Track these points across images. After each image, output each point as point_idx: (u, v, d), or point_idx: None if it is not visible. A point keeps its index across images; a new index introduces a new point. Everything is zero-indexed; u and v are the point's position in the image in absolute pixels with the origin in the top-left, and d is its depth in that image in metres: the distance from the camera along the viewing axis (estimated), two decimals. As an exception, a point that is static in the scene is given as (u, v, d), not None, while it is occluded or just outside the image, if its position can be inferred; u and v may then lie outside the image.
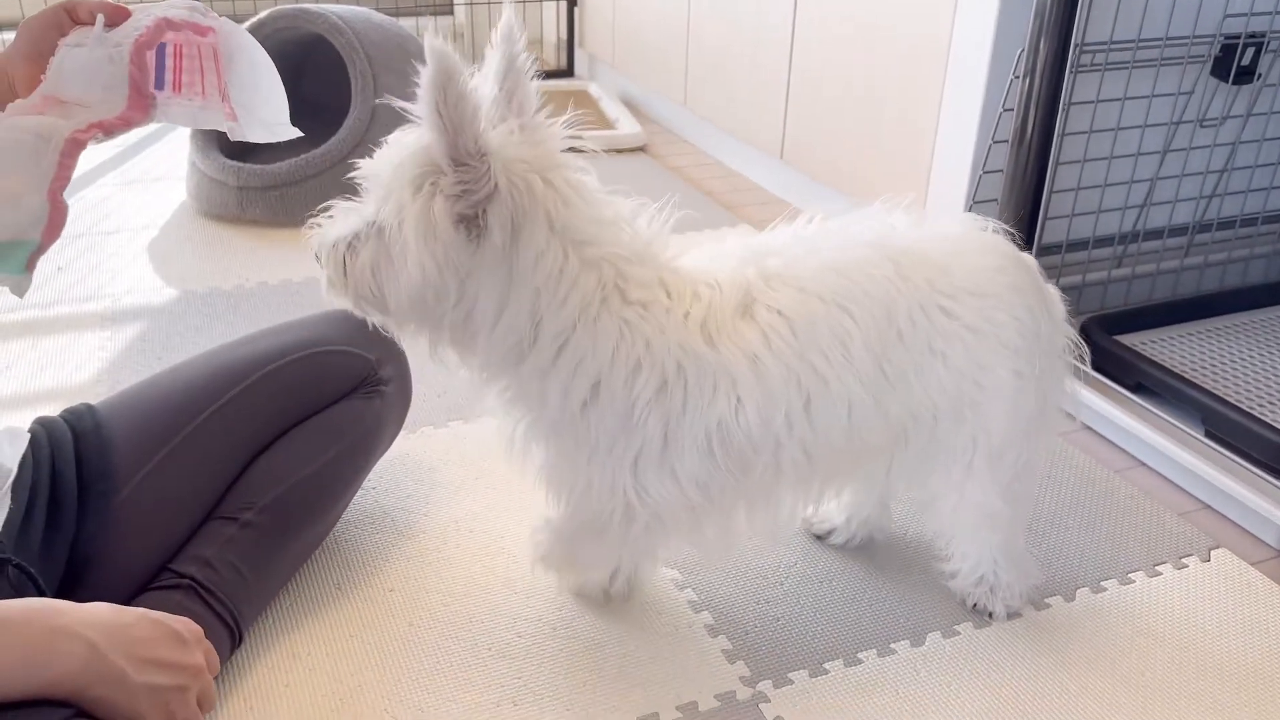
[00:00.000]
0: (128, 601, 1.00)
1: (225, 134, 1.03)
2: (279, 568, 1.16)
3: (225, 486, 1.13)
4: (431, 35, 0.81)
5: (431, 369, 1.04)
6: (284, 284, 1.99)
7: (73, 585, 1.01)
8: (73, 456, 1.05)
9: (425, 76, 0.83)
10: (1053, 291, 1.14)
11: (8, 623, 0.77)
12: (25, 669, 0.76)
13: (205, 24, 1.01)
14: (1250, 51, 1.74)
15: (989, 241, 1.10)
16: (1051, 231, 1.73)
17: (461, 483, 1.41)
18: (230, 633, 1.07)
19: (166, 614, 0.89)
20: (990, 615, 1.22)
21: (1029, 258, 1.12)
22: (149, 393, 1.14)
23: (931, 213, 1.06)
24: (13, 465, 0.99)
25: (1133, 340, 1.71)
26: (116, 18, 1.01)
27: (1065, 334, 1.14)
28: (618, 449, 1.00)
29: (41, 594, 0.92)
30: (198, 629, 0.92)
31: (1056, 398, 1.14)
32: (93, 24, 1.00)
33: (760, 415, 0.99)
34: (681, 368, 0.97)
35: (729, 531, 1.10)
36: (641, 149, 2.84)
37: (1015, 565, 1.20)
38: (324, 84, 2.35)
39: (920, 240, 1.06)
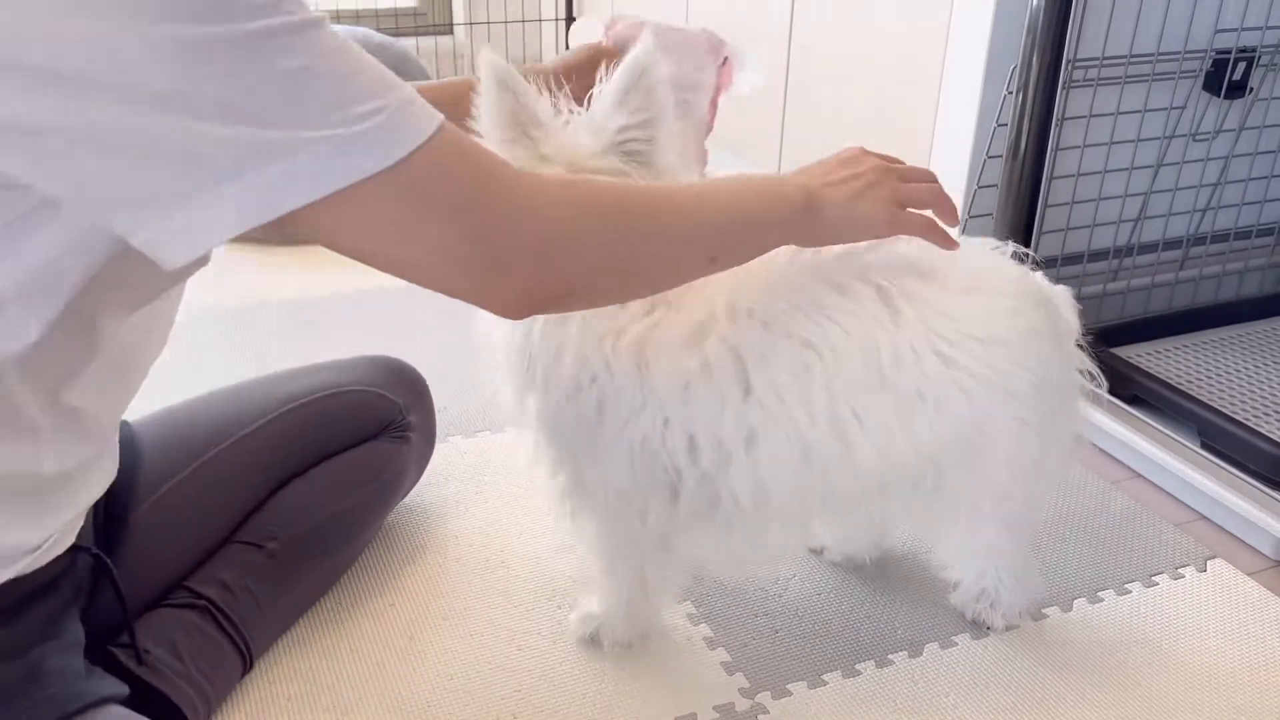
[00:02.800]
0: (138, 615, 1.01)
1: None
2: (295, 598, 1.17)
3: (245, 513, 1.14)
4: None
5: (434, 383, 1.05)
6: (285, 303, 2.00)
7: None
8: None
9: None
10: (1070, 324, 1.08)
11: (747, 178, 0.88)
12: (763, 206, 0.88)
13: (724, 52, 1.16)
14: (1241, 66, 1.76)
15: (1007, 277, 1.03)
16: (1046, 245, 1.74)
17: (461, 497, 1.42)
18: (242, 658, 1.07)
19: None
20: (988, 628, 1.22)
21: (1052, 293, 1.07)
22: (181, 414, 1.15)
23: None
24: None
25: (1129, 353, 1.72)
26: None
27: (1079, 371, 1.09)
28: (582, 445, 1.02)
29: (115, 584, 0.94)
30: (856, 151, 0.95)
31: (1067, 436, 1.10)
32: None
33: (688, 441, 0.98)
34: (597, 379, 0.97)
35: (719, 553, 1.10)
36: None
37: (1019, 582, 1.20)
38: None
39: (928, 275, 1.00)
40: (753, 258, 0.90)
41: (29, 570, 0.80)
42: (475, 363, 1.77)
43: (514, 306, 0.75)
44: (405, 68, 2.33)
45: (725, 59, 1.15)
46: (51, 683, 0.79)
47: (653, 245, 0.81)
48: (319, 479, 1.19)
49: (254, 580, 1.09)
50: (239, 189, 0.61)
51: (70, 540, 0.86)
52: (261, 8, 0.60)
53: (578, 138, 0.97)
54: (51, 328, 0.72)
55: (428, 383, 1.33)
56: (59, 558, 0.84)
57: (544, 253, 0.73)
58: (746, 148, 2.52)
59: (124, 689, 0.89)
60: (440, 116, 0.67)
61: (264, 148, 0.60)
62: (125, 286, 0.77)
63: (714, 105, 1.17)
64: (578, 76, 1.04)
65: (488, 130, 0.97)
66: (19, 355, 0.72)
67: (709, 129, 1.17)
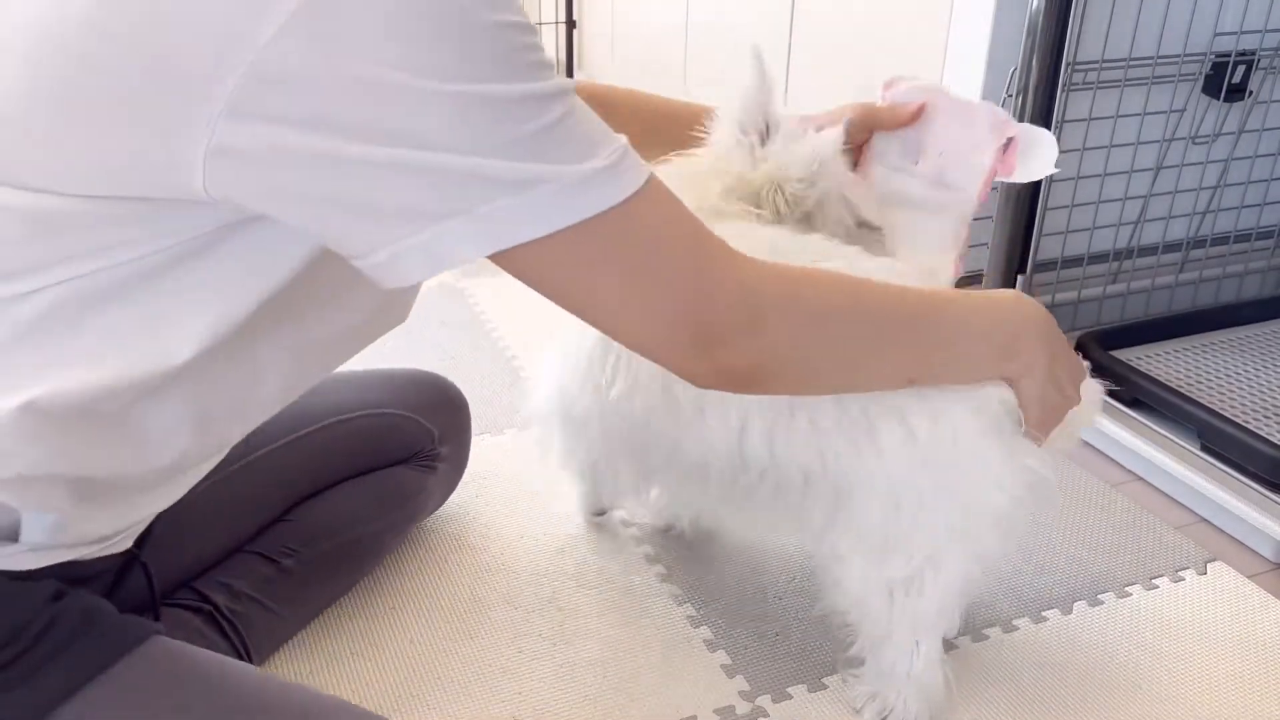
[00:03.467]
0: (143, 613, 1.00)
1: None
2: (302, 611, 1.17)
3: (264, 524, 1.14)
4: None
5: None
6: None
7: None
8: None
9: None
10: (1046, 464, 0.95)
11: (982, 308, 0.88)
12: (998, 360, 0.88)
13: (1009, 132, 1.06)
14: (1241, 69, 1.76)
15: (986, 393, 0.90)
16: (1046, 248, 1.74)
17: (462, 500, 1.42)
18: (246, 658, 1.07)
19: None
20: None
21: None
22: None
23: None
24: None
25: (1128, 355, 1.72)
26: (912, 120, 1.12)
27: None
28: None
29: (151, 584, 0.94)
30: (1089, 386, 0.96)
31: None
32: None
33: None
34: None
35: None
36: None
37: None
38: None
39: None
40: (946, 383, 0.89)
41: (86, 558, 0.81)
42: (475, 365, 1.77)
43: (708, 380, 0.75)
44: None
45: (1009, 140, 1.07)
46: (104, 621, 0.80)
47: (867, 353, 0.81)
48: (342, 501, 1.18)
49: (263, 592, 1.09)
50: (481, 217, 0.63)
51: (130, 542, 0.87)
52: (533, 75, 0.64)
53: (792, 162, 1.02)
54: (221, 348, 0.74)
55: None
56: (114, 555, 0.85)
57: (755, 333, 0.73)
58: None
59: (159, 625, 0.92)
60: (649, 169, 0.69)
61: (510, 182, 0.63)
62: (305, 319, 0.79)
63: (986, 187, 1.08)
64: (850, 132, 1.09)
65: (729, 118, 1.03)
66: (182, 372, 0.74)
67: (973, 214, 1.10)
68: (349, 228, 0.66)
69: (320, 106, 0.60)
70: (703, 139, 1.07)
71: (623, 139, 0.69)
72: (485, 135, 0.62)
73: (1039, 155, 1.06)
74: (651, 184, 0.68)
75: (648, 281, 0.68)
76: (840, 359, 0.80)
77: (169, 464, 0.80)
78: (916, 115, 1.11)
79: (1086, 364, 0.97)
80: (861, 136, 1.11)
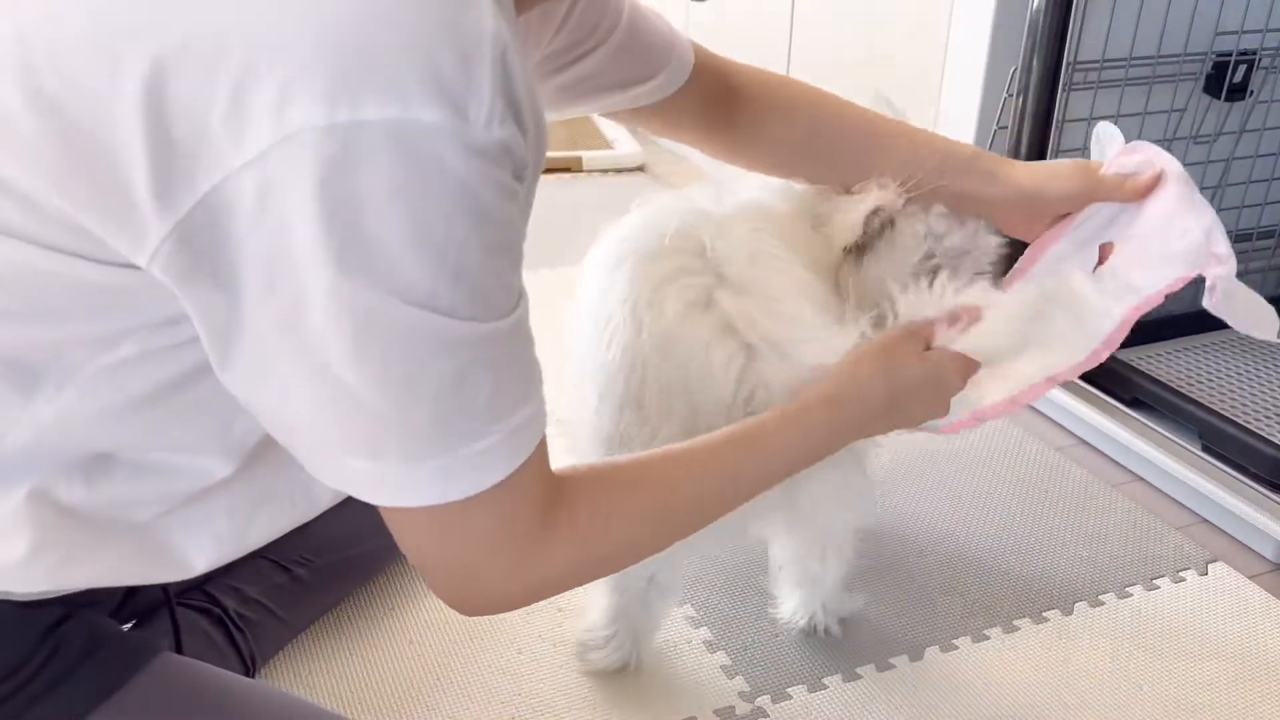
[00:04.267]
0: (152, 611, 0.98)
1: None
2: (309, 616, 1.17)
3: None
4: None
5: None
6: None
7: None
8: None
9: None
10: None
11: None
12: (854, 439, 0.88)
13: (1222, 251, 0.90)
14: (1242, 69, 1.75)
15: None
16: (1047, 248, 1.74)
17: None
18: (246, 670, 1.07)
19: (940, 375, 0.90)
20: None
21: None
22: None
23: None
24: None
25: (1129, 355, 1.72)
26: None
27: None
28: None
29: (169, 598, 0.94)
30: (948, 358, 0.90)
31: None
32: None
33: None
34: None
35: None
36: (640, 168, 2.86)
37: None
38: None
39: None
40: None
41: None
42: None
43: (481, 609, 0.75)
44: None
45: (1213, 288, 0.91)
46: (109, 644, 0.79)
47: (681, 519, 0.79)
48: (360, 512, 1.17)
49: (275, 599, 1.09)
50: (379, 468, 0.61)
51: None
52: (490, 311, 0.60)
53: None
54: (264, 459, 0.73)
55: None
56: None
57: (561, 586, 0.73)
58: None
59: (169, 636, 0.91)
60: (535, 440, 0.65)
61: (403, 456, 0.61)
62: None
63: (1136, 311, 0.93)
64: (1055, 197, 1.00)
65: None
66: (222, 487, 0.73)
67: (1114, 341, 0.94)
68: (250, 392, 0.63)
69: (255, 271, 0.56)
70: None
71: (526, 412, 0.64)
72: (404, 376, 0.58)
73: (1251, 315, 0.93)
74: (515, 476, 0.64)
75: (454, 567, 0.68)
76: (658, 544, 0.79)
77: (201, 568, 0.78)
78: (1151, 187, 0.96)
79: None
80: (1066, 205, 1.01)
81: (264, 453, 0.73)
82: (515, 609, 0.74)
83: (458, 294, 0.57)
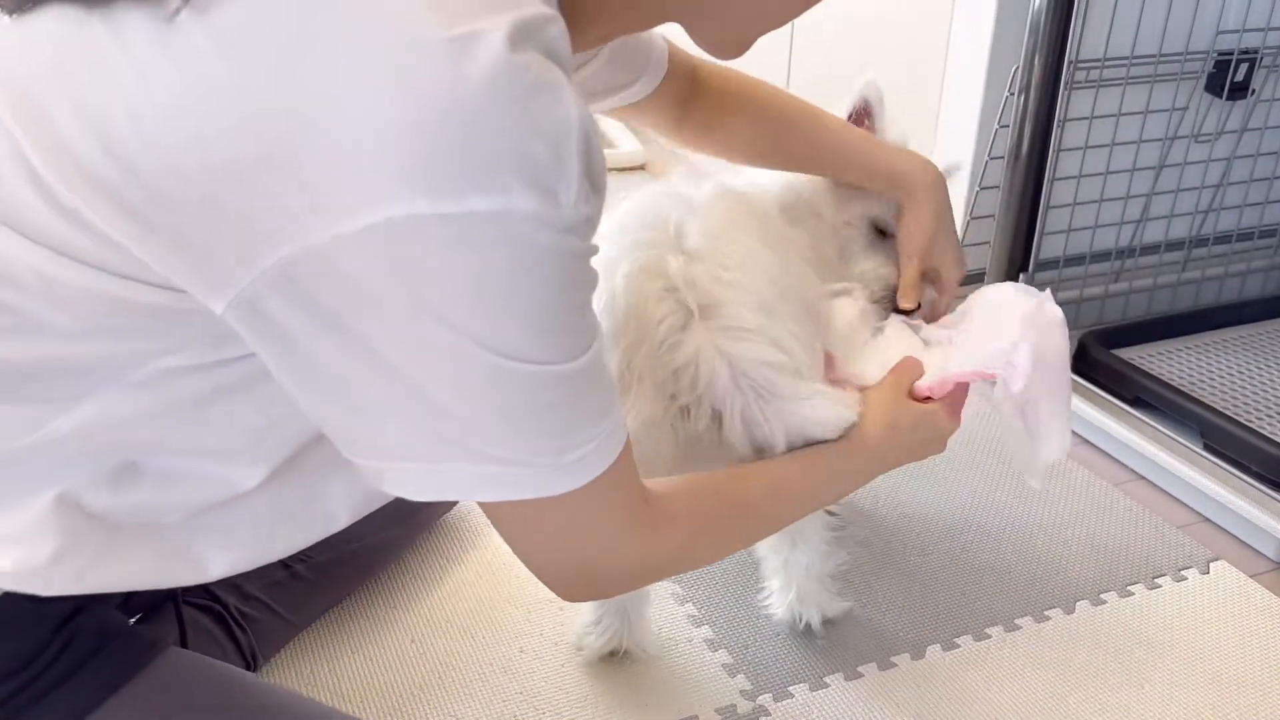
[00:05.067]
0: (155, 607, 0.99)
1: None
2: (309, 616, 1.17)
3: None
4: None
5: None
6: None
7: None
8: None
9: None
10: None
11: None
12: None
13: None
14: (1244, 67, 1.75)
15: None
16: (1048, 247, 1.74)
17: (463, 502, 1.42)
18: (247, 667, 1.07)
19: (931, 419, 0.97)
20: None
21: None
22: None
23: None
24: None
25: (1130, 355, 1.72)
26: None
27: None
28: None
29: (175, 594, 0.95)
30: (942, 410, 0.97)
31: None
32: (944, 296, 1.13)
33: None
34: None
35: None
36: (641, 167, 2.86)
37: None
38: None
39: None
40: None
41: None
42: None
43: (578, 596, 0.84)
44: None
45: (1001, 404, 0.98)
46: (117, 639, 0.80)
47: (748, 537, 0.92)
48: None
49: (276, 596, 1.09)
50: (457, 468, 0.65)
51: None
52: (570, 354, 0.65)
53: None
54: (289, 477, 0.75)
55: None
56: None
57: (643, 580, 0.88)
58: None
59: (174, 631, 0.92)
60: (621, 444, 0.70)
61: (499, 458, 0.65)
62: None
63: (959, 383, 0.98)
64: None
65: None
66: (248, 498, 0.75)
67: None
68: (344, 429, 0.66)
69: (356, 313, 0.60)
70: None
71: (610, 423, 0.69)
72: (506, 408, 0.63)
73: (1042, 440, 0.98)
74: (608, 472, 0.69)
75: (565, 553, 0.74)
76: (731, 548, 0.88)
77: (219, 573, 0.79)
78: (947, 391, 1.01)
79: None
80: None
81: (292, 466, 0.75)
82: (631, 589, 0.86)
83: (544, 347, 0.62)
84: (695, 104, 1.11)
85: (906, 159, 1.12)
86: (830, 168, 1.13)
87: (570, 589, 0.78)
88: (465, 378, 0.61)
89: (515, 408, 0.63)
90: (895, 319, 1.07)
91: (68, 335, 0.65)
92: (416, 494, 0.67)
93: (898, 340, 1.03)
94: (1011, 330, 0.96)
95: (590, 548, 0.74)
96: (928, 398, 0.97)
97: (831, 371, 0.98)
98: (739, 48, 0.78)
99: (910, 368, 0.98)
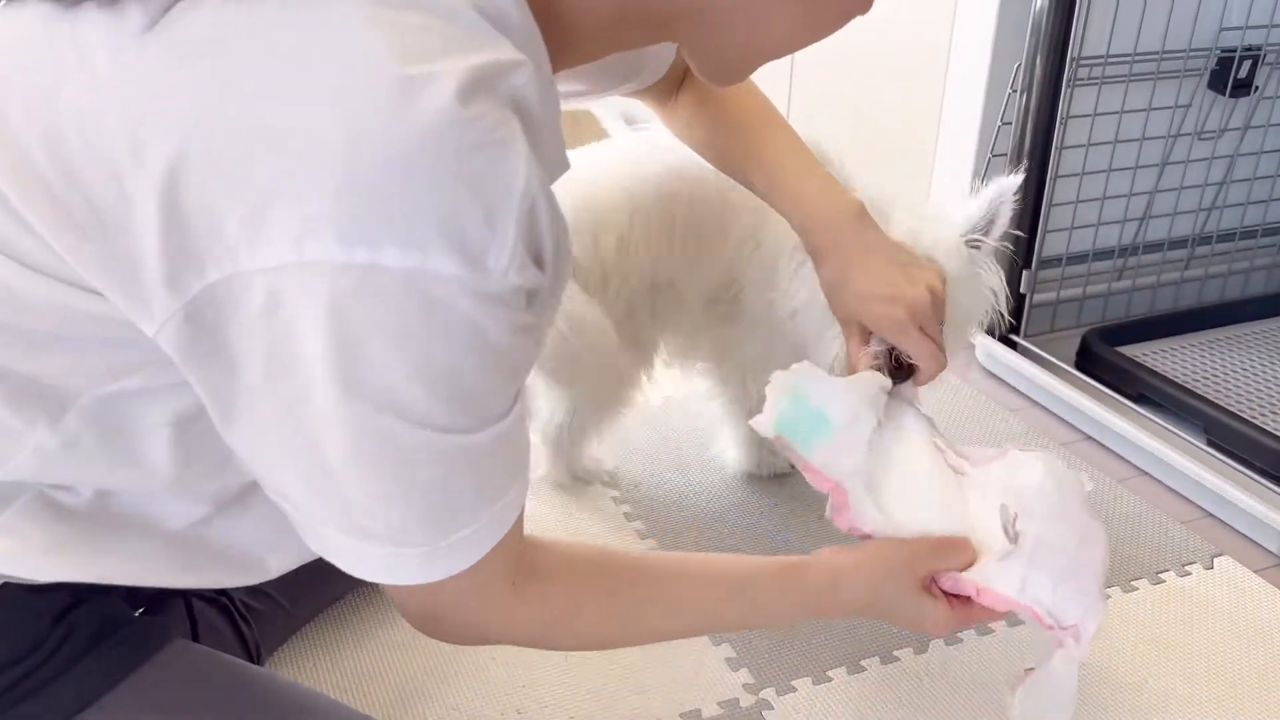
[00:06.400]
0: (164, 598, 0.98)
1: None
2: (315, 607, 1.17)
3: None
4: None
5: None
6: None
7: None
8: None
9: None
10: None
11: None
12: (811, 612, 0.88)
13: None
14: (1247, 64, 1.75)
15: None
16: (1051, 245, 1.74)
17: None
18: (250, 660, 1.07)
19: (916, 599, 0.84)
20: None
21: None
22: None
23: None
24: None
25: (1134, 351, 1.72)
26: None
27: None
28: None
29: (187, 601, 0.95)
30: (941, 616, 0.84)
31: None
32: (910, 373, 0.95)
33: None
34: None
35: None
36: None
37: None
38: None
39: None
40: None
41: None
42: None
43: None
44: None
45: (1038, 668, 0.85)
46: (121, 630, 0.79)
47: (648, 632, 0.84)
48: None
49: (278, 588, 1.09)
50: (331, 534, 0.64)
51: None
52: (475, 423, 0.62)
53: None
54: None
55: None
56: None
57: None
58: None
59: (182, 623, 0.92)
60: (514, 519, 0.68)
61: (386, 537, 0.63)
62: None
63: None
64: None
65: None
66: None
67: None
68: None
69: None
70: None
71: (508, 498, 0.66)
72: (390, 475, 0.61)
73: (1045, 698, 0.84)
74: (493, 550, 0.66)
75: (419, 603, 0.72)
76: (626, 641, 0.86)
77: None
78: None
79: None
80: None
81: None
82: (483, 644, 0.79)
83: (454, 413, 0.59)
84: (682, 96, 1.09)
85: (817, 193, 1.00)
86: (760, 188, 1.04)
87: (418, 625, 0.75)
88: (353, 438, 0.58)
89: (405, 480, 0.60)
90: (918, 426, 0.91)
91: (30, 345, 0.64)
92: (309, 544, 0.66)
93: (929, 472, 0.88)
94: (1088, 579, 0.82)
95: (449, 606, 0.71)
96: (947, 591, 0.84)
97: (843, 514, 0.87)
98: (736, 75, 0.76)
99: (956, 551, 0.84)
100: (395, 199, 0.53)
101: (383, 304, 0.54)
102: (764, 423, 0.87)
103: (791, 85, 2.31)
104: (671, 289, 1.26)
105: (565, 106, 1.00)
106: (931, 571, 0.84)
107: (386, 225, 0.53)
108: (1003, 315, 1.16)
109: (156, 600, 0.95)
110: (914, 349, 0.94)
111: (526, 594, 0.71)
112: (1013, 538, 0.83)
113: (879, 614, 0.87)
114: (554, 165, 0.67)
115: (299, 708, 0.83)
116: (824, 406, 0.86)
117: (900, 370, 0.96)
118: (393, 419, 0.58)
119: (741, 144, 1.05)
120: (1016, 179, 1.07)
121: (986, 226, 1.08)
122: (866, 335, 0.98)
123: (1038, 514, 0.84)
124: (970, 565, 0.84)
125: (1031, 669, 0.85)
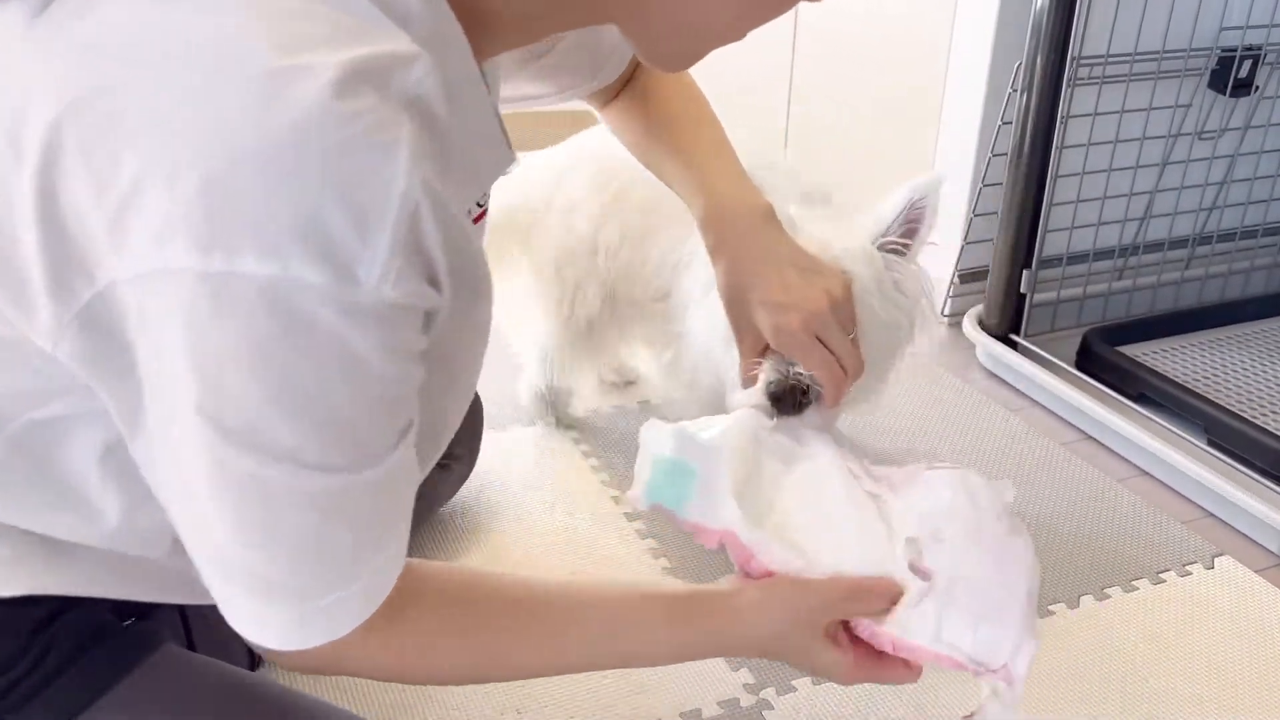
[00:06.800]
0: (155, 604, 0.98)
1: None
2: None
3: None
4: None
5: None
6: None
7: None
8: None
9: None
10: None
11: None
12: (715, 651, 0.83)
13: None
14: (1247, 64, 1.75)
15: None
16: (1052, 244, 1.74)
17: (465, 494, 1.42)
18: (251, 662, 1.07)
19: (817, 640, 0.77)
20: None
21: None
22: None
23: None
24: None
25: (1135, 351, 1.72)
26: None
27: None
28: None
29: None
30: (846, 670, 0.77)
31: None
32: None
33: None
34: None
35: None
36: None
37: None
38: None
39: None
40: None
41: None
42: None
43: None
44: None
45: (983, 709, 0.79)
46: (107, 640, 0.78)
47: (512, 669, 0.78)
48: None
49: None
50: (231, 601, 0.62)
51: None
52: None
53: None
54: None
55: None
56: None
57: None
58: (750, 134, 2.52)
59: (174, 630, 0.90)
60: (391, 584, 0.64)
61: (260, 590, 0.61)
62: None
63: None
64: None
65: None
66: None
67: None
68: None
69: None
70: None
71: (388, 553, 0.63)
72: (251, 517, 0.57)
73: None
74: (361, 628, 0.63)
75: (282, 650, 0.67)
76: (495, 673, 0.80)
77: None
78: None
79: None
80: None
81: None
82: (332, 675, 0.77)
83: (326, 449, 0.54)
84: (623, 95, 1.03)
85: (726, 187, 0.96)
86: (671, 178, 1.01)
87: (266, 653, 0.72)
88: (210, 468, 0.54)
89: (271, 527, 0.56)
90: (827, 452, 0.83)
91: None
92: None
93: (842, 501, 0.80)
94: (1012, 612, 0.76)
95: (309, 653, 0.67)
96: (859, 639, 0.77)
97: (749, 563, 0.78)
98: (682, 59, 0.70)
99: (872, 595, 0.76)
100: (254, 200, 0.48)
101: (240, 317, 0.49)
102: (636, 497, 0.79)
103: (791, 85, 2.31)
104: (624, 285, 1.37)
105: (528, 109, 0.97)
106: (844, 616, 0.77)
107: (244, 228, 0.48)
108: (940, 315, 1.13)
109: (148, 606, 0.95)
110: (808, 360, 0.88)
111: (382, 629, 0.66)
112: (924, 575, 0.76)
113: (781, 659, 0.80)
114: (469, 172, 0.63)
115: (291, 712, 0.82)
116: (687, 459, 0.78)
117: (804, 394, 0.89)
118: (254, 451, 0.53)
119: (669, 140, 1.01)
120: (935, 177, 0.99)
121: (903, 229, 1.01)
122: (762, 344, 0.92)
123: (951, 541, 0.77)
124: (892, 607, 0.76)
125: (970, 716, 0.79)
